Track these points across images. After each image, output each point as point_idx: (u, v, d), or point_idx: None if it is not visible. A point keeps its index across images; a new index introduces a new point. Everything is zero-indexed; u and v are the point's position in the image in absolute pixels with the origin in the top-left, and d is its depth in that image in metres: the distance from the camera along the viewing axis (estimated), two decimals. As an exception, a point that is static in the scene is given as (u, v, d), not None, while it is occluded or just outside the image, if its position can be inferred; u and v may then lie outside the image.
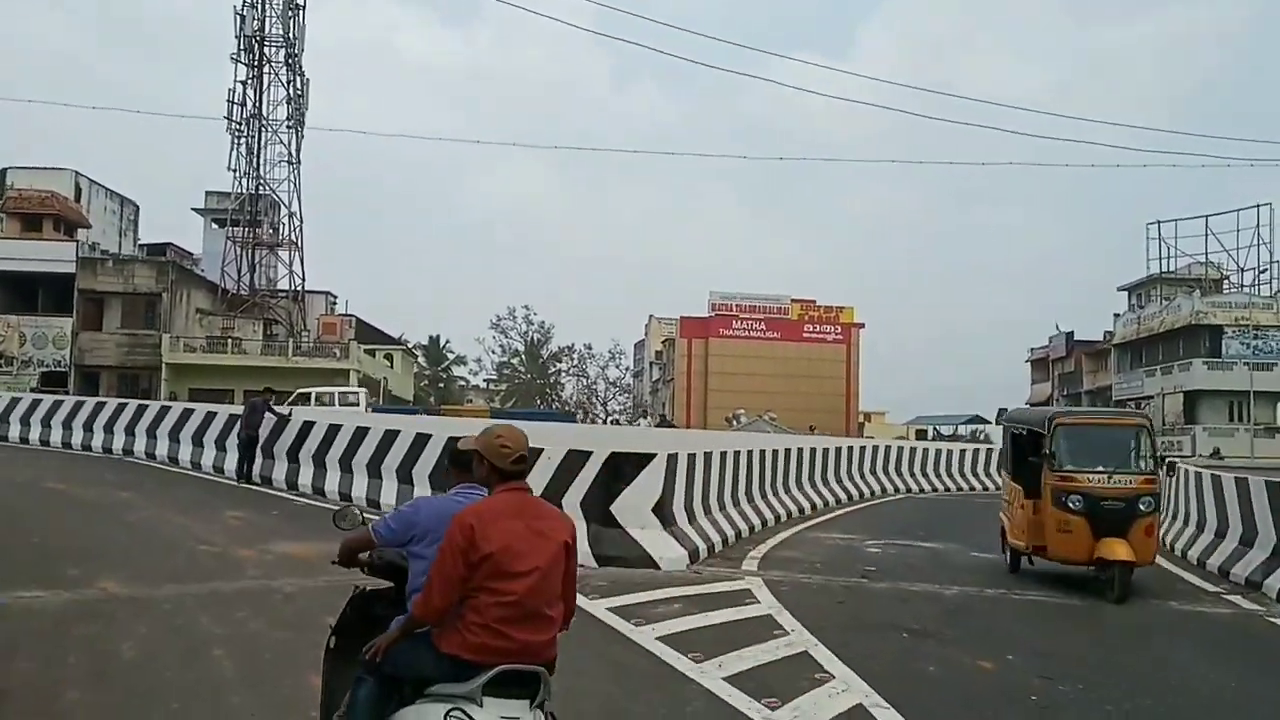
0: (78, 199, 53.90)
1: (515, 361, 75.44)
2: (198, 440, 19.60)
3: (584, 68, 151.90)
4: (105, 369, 45.59)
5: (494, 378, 79.32)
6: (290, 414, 17.62)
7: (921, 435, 53.29)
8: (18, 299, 45.90)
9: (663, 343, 69.57)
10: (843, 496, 20.65)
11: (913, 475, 25.94)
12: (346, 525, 4.16)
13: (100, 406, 23.17)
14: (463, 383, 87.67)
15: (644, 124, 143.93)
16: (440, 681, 3.38)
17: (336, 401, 37.73)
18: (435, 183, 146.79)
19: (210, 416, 19.59)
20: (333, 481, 15.50)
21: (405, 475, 13.95)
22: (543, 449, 10.26)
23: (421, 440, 13.86)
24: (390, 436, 14.58)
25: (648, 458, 9.96)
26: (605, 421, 64.36)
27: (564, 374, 74.61)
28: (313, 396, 38.30)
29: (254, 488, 16.72)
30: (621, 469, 10.14)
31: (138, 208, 64.70)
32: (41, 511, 13.14)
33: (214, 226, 55.28)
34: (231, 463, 17.80)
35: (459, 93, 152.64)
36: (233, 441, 17.95)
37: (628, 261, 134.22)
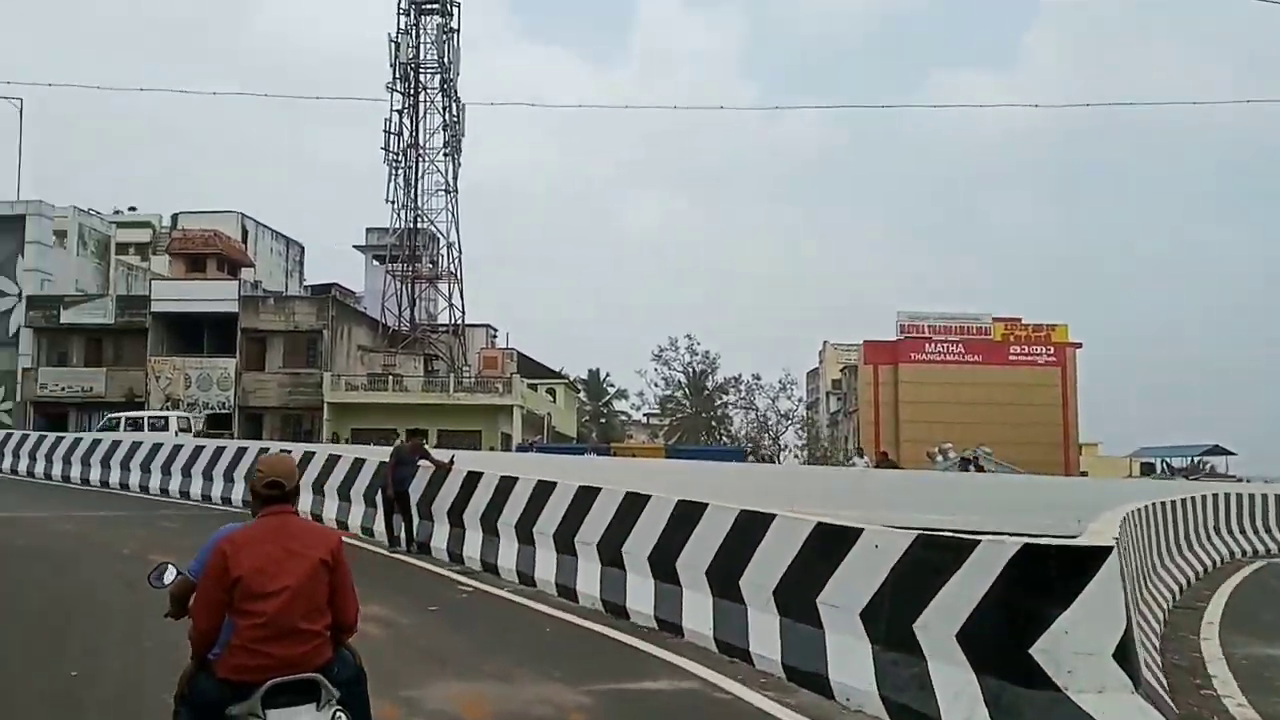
0: (244, 241, 52.84)
1: (679, 395, 71.08)
2: (343, 494, 15.95)
3: (730, 94, 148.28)
4: (268, 410, 43.52)
5: (656, 411, 75.24)
6: (453, 460, 13.64)
7: (1149, 470, 46.34)
8: (183, 341, 44.40)
9: (841, 370, 64.21)
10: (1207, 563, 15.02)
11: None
12: (163, 583, 4.11)
13: (239, 452, 19.99)
14: (624, 417, 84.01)
15: (797, 148, 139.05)
16: (227, 704, 3.48)
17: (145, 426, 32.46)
18: (587, 213, 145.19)
19: (358, 465, 15.89)
20: (508, 554, 11.38)
21: (613, 554, 9.68)
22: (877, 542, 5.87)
23: (634, 505, 9.54)
24: (586, 497, 10.35)
25: (1090, 554, 5.31)
26: (778, 459, 59.35)
27: (731, 407, 69.82)
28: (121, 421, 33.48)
29: (407, 559, 12.82)
30: (1044, 576, 5.30)
31: (303, 249, 63.81)
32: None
33: (374, 263, 53.39)
34: (382, 521, 14.04)
35: (605, 125, 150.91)
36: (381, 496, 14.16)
37: (791, 288, 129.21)
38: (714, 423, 68.58)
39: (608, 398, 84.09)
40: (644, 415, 78.36)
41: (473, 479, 12.64)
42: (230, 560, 3.53)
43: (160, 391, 42.98)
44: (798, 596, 7.15)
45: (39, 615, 9.15)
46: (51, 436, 27.18)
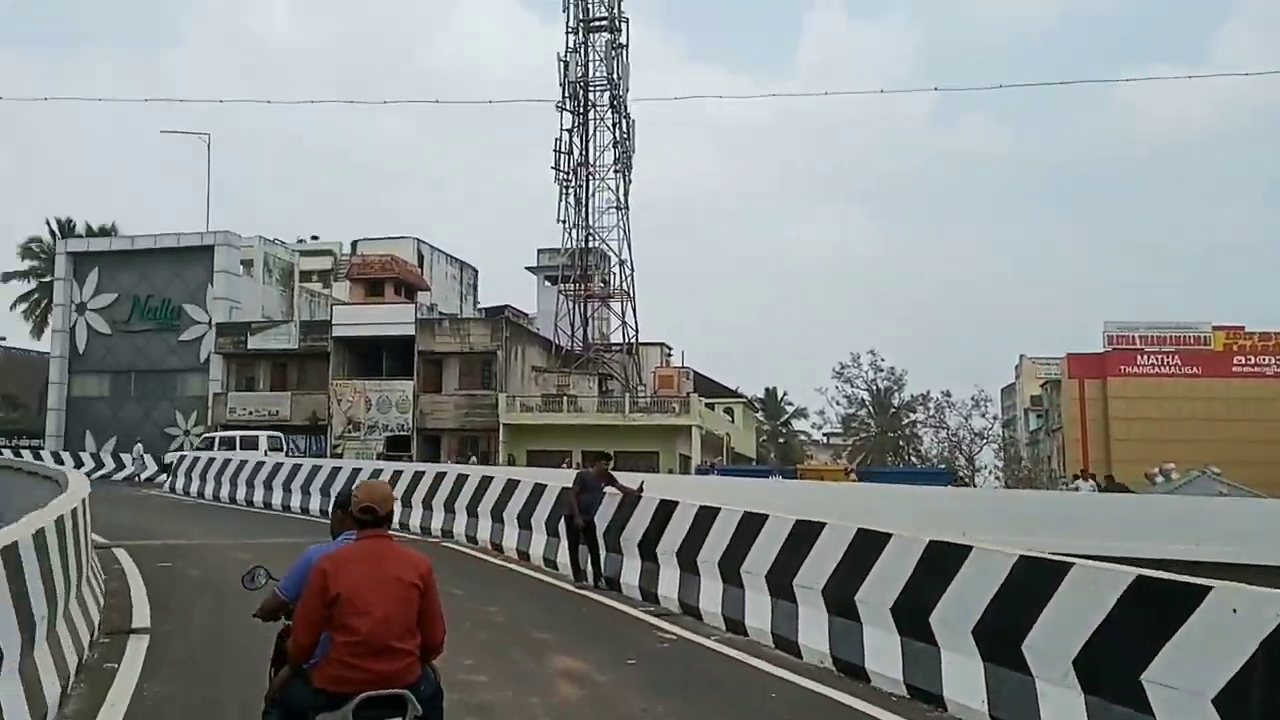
0: (420, 266, 53.77)
1: (862, 413, 68.35)
2: (524, 521, 15.02)
3: (904, 106, 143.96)
4: (445, 432, 43.75)
5: (839, 431, 72.66)
6: (643, 487, 12.44)
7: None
8: (363, 364, 45.23)
9: (1041, 386, 60.39)
10: None
11: None
12: (255, 586, 4.55)
13: (417, 477, 19.45)
14: (803, 437, 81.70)
15: (974, 156, 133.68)
16: (320, 712, 3.75)
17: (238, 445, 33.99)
18: (756, 228, 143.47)
19: (539, 491, 14.92)
20: (712, 595, 10.09)
21: (842, 602, 8.24)
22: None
23: (869, 545, 8.07)
24: (806, 533, 8.92)
25: None
26: (972, 480, 56.03)
27: (919, 425, 66.61)
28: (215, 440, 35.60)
29: (595, 596, 11.69)
30: None
31: (476, 272, 64.71)
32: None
33: (546, 284, 53.39)
34: (566, 553, 12.97)
35: (773, 139, 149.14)
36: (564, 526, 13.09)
37: (976, 300, 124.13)
38: (902, 442, 65.64)
39: (785, 416, 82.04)
40: (824, 435, 75.95)
41: (666, 508, 11.40)
42: (330, 578, 3.83)
43: (342, 414, 43.83)
44: (1113, 669, 5.58)
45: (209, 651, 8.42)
46: (220, 458, 27.64)
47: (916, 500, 22.97)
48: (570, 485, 13.00)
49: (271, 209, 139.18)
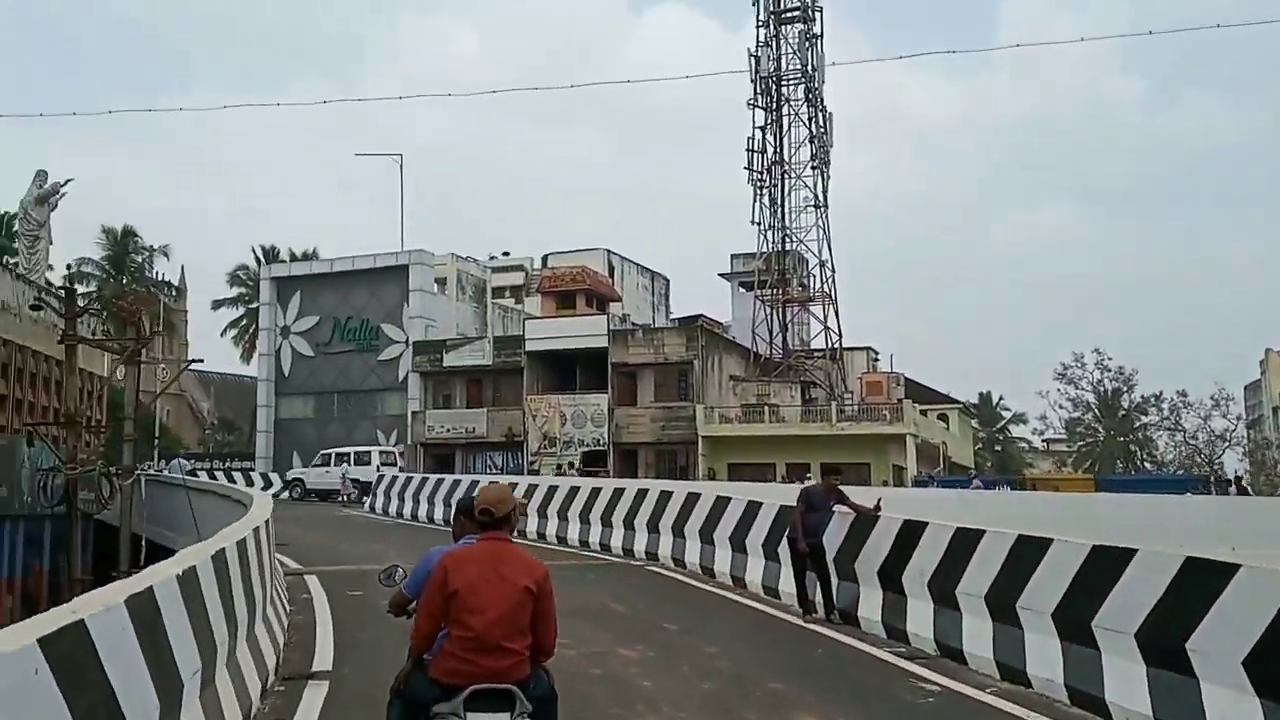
0: (611, 277, 53.43)
1: (1088, 417, 63.59)
2: (737, 544, 13.61)
3: (1112, 93, 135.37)
4: (642, 445, 42.92)
5: (1061, 436, 67.97)
6: (880, 505, 10.82)
7: None
8: (557, 378, 45.01)
9: (1295, 380, 54.78)
10: None
11: None
12: (391, 584, 4.92)
13: (617, 494, 18.38)
14: (1023, 444, 77.07)
15: (1190, 143, 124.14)
16: (436, 702, 4.00)
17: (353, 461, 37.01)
18: (960, 227, 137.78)
19: (753, 509, 13.47)
20: (979, 635, 8.38)
21: (1166, 650, 6.42)
22: None
23: (1205, 574, 6.27)
24: (1109, 563, 7.13)
25: None
26: (1228, 488, 50.90)
27: (1152, 428, 61.43)
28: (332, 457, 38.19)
29: (829, 632, 10.14)
30: None
31: (668, 281, 64.07)
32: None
33: (741, 291, 52.02)
34: (790, 581, 11.48)
35: (974, 135, 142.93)
36: (786, 549, 11.62)
37: (1209, 295, 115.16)
38: (1133, 447, 60.75)
39: (1002, 423, 77.68)
40: (1044, 441, 71.26)
41: (913, 530, 9.75)
42: (450, 575, 4.12)
43: (537, 430, 43.67)
44: None
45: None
46: (417, 478, 27.51)
47: (1177, 511, 20.49)
48: (792, 503, 11.52)
49: (463, 226, 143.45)
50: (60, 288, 27.96)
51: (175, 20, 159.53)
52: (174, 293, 67.21)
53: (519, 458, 44.31)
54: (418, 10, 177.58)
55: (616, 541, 17.33)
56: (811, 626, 10.45)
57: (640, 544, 16.59)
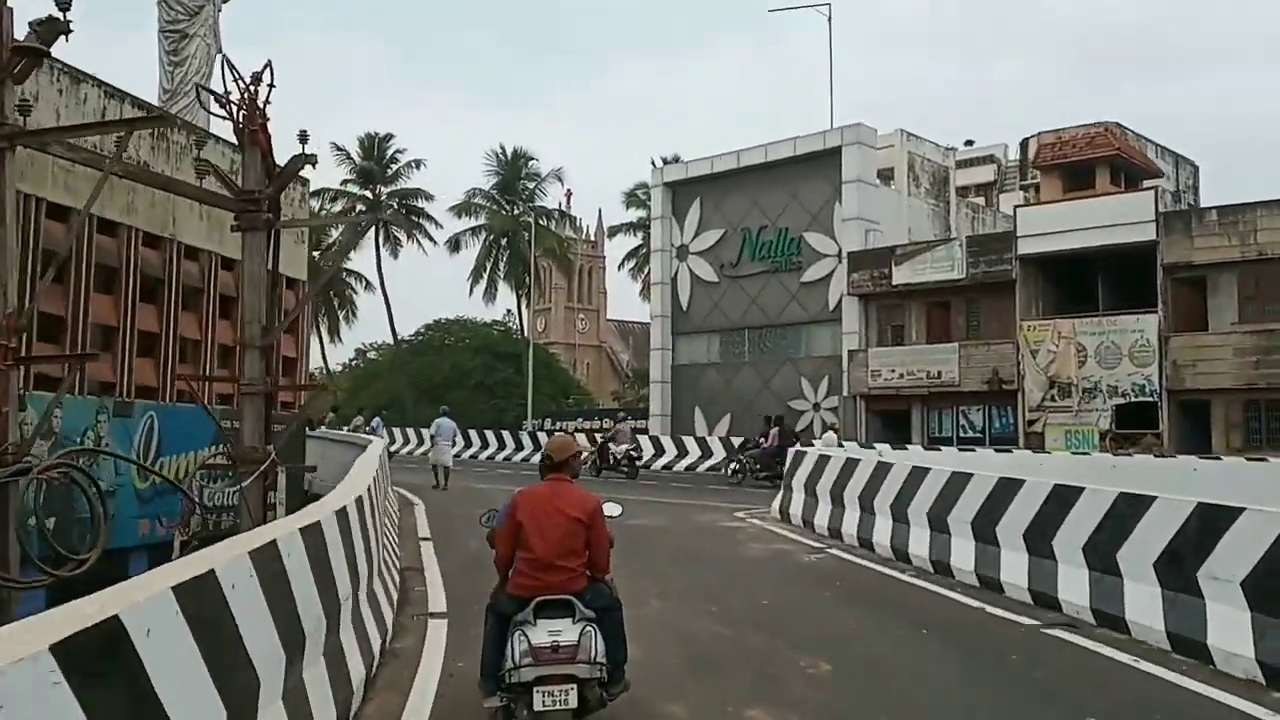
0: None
1: None
2: None
3: None
4: (1218, 393, 27.75)
5: None
6: None
7: None
8: (1067, 295, 30.77)
9: None
10: None
11: None
12: (491, 523, 6.37)
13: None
14: None
15: None
16: (515, 613, 5.49)
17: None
18: None
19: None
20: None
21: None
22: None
23: None
24: None
25: None
26: None
27: None
28: None
29: None
30: None
31: (1196, 169, 46.30)
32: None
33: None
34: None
35: None
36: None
37: None
38: None
39: None
40: None
41: None
42: (518, 509, 5.69)
43: (1039, 372, 29.87)
44: None
45: None
46: (866, 459, 14.93)
47: None
48: None
49: (909, 118, 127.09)
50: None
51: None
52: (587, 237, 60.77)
53: (1010, 413, 30.90)
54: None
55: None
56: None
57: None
